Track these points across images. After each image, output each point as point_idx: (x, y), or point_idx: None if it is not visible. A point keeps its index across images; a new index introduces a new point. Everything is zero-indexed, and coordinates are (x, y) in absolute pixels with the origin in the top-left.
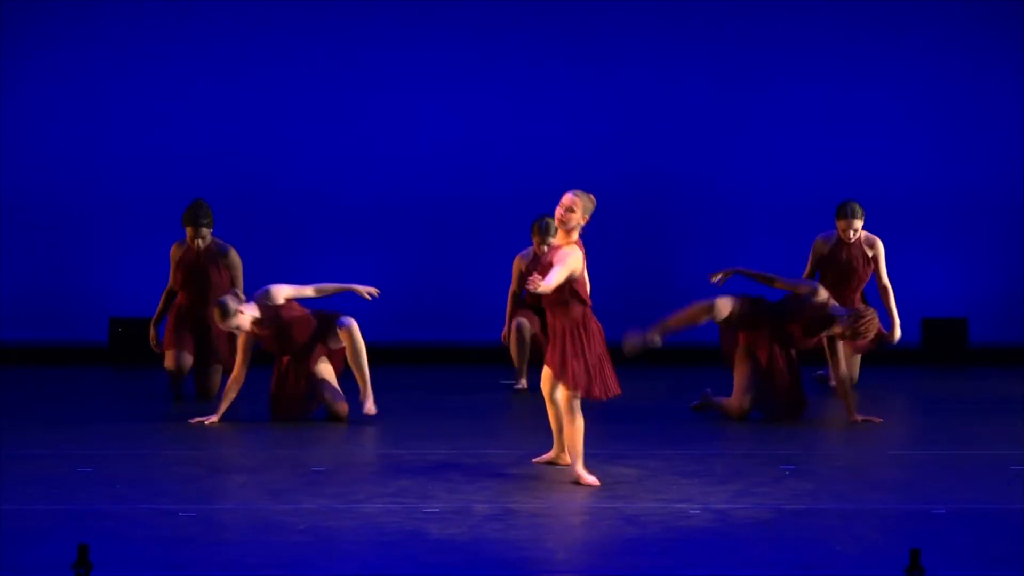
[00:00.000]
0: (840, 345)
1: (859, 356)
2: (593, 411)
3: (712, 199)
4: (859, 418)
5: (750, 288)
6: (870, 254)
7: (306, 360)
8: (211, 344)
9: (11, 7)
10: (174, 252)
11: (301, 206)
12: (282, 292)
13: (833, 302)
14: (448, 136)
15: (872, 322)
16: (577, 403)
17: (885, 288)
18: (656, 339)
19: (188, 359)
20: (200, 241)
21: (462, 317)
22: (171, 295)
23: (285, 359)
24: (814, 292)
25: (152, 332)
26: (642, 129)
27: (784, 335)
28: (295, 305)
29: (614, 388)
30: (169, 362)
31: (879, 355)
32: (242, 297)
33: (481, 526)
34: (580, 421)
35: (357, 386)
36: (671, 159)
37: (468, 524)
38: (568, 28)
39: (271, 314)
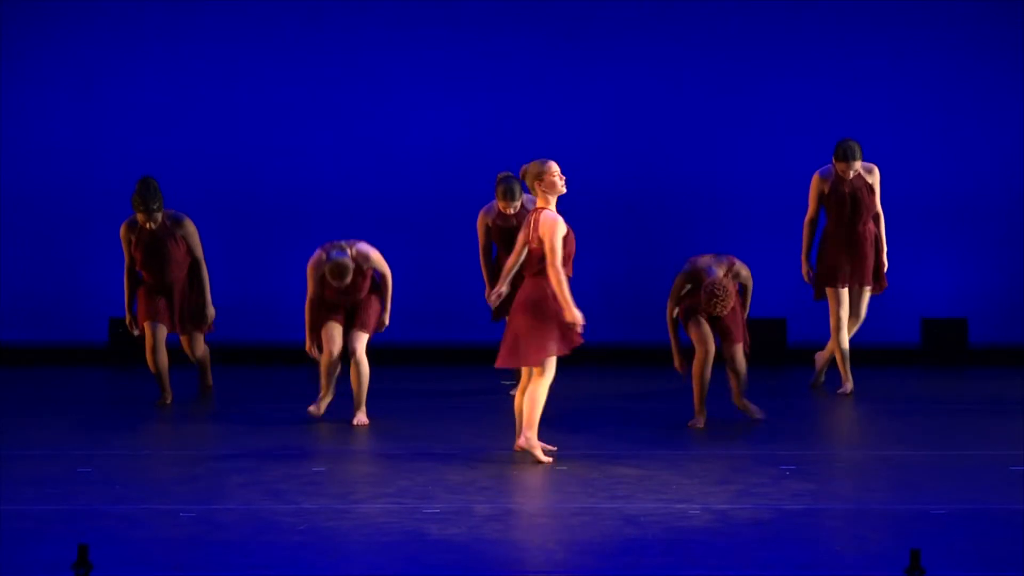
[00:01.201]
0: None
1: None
2: (594, 411)
3: (711, 198)
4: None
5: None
6: (870, 181)
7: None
8: (185, 313)
9: (11, 7)
10: (125, 233)
11: (301, 206)
12: (373, 257)
13: (707, 262)
14: (448, 136)
15: (718, 302)
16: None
17: (878, 215)
18: (704, 418)
19: (163, 330)
20: (152, 223)
21: (462, 317)
22: (132, 274)
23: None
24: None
25: (128, 316)
26: (641, 129)
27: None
28: (372, 273)
29: (511, 361)
30: (147, 336)
31: (879, 355)
32: (345, 248)
33: (481, 526)
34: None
35: (353, 393)
36: (671, 159)
37: (468, 524)
38: (567, 28)
39: (359, 272)
